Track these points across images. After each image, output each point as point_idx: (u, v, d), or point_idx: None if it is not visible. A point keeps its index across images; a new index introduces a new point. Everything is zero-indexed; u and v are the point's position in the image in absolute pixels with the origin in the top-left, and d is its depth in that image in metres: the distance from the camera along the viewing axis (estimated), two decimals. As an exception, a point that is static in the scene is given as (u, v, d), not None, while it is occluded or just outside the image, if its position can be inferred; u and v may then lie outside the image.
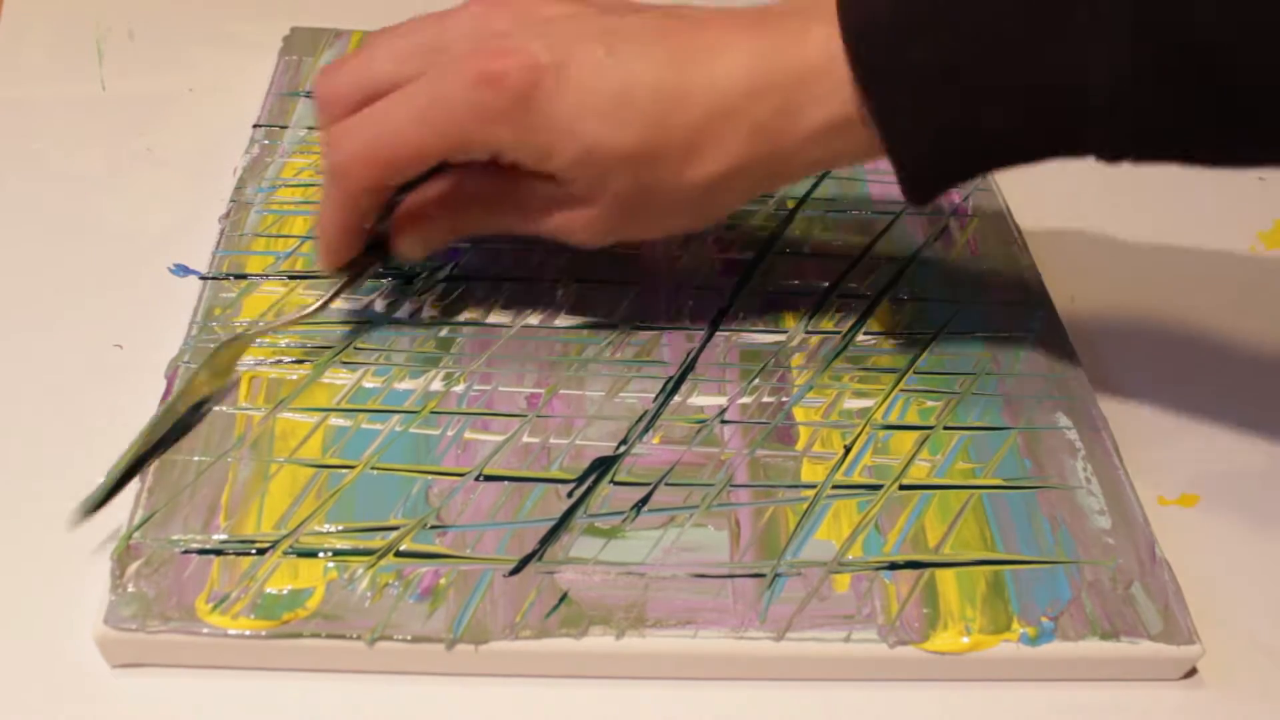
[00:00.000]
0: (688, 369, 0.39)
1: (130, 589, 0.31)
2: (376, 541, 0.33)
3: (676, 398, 0.38)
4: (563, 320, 0.40)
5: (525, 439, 0.36)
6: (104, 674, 0.31)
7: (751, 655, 0.32)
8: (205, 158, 0.46)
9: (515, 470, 0.35)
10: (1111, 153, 0.32)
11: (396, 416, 0.36)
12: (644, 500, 0.35)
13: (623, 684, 0.32)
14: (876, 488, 0.36)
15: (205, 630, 0.31)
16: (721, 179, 0.35)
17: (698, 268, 0.43)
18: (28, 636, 0.32)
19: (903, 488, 0.36)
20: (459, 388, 0.37)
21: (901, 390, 0.39)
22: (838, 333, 0.41)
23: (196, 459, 0.34)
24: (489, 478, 0.35)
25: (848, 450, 0.37)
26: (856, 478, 0.36)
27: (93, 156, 0.46)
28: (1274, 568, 0.38)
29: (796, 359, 0.40)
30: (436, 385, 0.37)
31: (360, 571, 0.32)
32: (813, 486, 0.36)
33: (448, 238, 0.38)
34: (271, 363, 0.37)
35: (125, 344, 0.39)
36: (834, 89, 0.33)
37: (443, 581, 0.32)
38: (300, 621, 0.31)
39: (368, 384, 0.37)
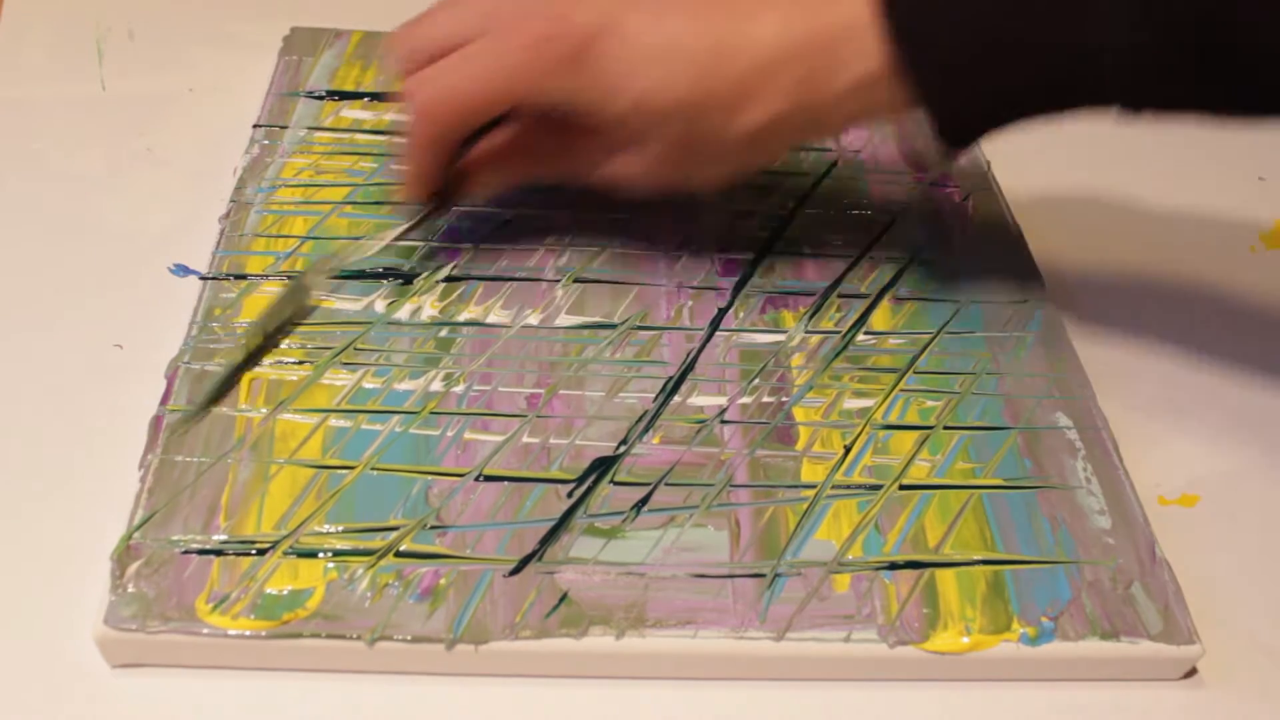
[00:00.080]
0: (688, 369, 0.39)
1: (130, 589, 0.31)
2: (376, 542, 0.33)
3: (676, 398, 0.38)
4: (563, 320, 0.40)
5: (525, 439, 0.36)
6: (104, 674, 0.31)
7: (751, 655, 0.32)
8: (205, 158, 0.46)
9: (515, 470, 0.35)
10: (1132, 106, 0.34)
11: (396, 417, 0.36)
12: (644, 500, 0.35)
13: (623, 684, 0.32)
14: (876, 488, 0.36)
15: (205, 630, 0.31)
16: (765, 128, 0.37)
17: (698, 268, 0.43)
18: (28, 636, 0.32)
19: (903, 488, 0.36)
20: (459, 388, 0.37)
21: (901, 390, 0.39)
22: (838, 333, 0.41)
23: (197, 459, 0.34)
24: (489, 478, 0.35)
25: (848, 450, 0.37)
26: (856, 478, 0.36)
27: (93, 156, 0.46)
28: (1274, 568, 0.38)
29: (796, 359, 0.40)
30: (436, 386, 0.37)
31: (360, 572, 0.32)
32: (813, 486, 0.36)
33: (512, 181, 0.42)
34: (272, 364, 0.37)
35: (125, 344, 0.39)
36: (868, 47, 0.35)
37: (443, 582, 0.32)
38: (300, 621, 0.31)
39: (368, 385, 0.37)
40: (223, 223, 0.42)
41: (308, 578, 0.32)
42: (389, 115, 0.47)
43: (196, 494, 0.34)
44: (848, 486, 0.36)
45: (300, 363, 0.37)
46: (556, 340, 0.39)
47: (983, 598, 0.34)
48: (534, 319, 0.40)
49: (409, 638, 0.31)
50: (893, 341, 0.41)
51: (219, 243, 0.41)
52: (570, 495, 0.35)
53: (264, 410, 0.36)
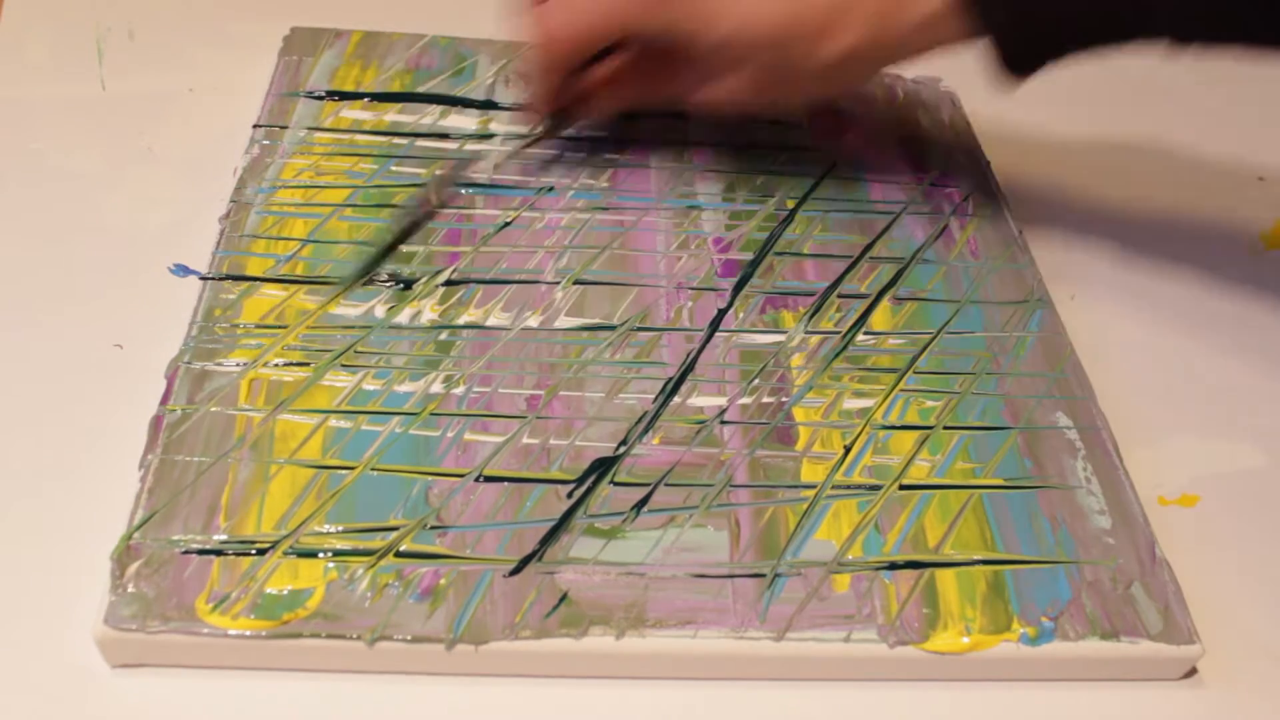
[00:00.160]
0: (687, 370, 0.39)
1: (130, 589, 0.31)
2: (376, 542, 0.33)
3: (676, 398, 0.38)
4: (562, 322, 0.40)
5: (525, 440, 0.36)
6: (104, 674, 0.31)
7: (751, 655, 0.32)
8: (205, 158, 0.46)
9: (515, 471, 0.35)
10: (1181, 38, 0.38)
11: (397, 418, 0.36)
12: (644, 500, 0.35)
13: (623, 684, 0.32)
14: (876, 488, 0.36)
15: (205, 630, 0.31)
16: (845, 58, 0.41)
17: (697, 268, 0.43)
18: (28, 636, 0.32)
19: (903, 488, 0.36)
20: (459, 389, 0.37)
21: (901, 390, 0.39)
22: (837, 333, 0.41)
23: (197, 459, 0.34)
24: (489, 478, 0.35)
25: (848, 450, 0.37)
26: (856, 478, 0.36)
27: (93, 156, 0.46)
28: (1274, 568, 0.38)
29: (796, 359, 0.40)
30: (437, 387, 0.37)
31: (360, 572, 0.32)
32: (813, 486, 0.36)
33: (622, 104, 0.47)
34: (272, 364, 0.37)
35: (125, 344, 0.39)
36: None
37: (443, 582, 0.32)
38: (300, 621, 0.31)
39: (368, 386, 0.37)
40: (223, 223, 0.42)
41: (308, 578, 0.32)
42: (389, 116, 0.47)
43: (196, 494, 0.34)
44: (848, 486, 0.36)
45: (300, 364, 0.37)
46: (556, 342, 0.39)
47: (983, 598, 0.34)
48: (534, 321, 0.40)
49: (409, 638, 0.31)
50: (892, 342, 0.41)
51: (219, 243, 0.41)
52: (570, 495, 0.35)
53: (264, 410, 0.36)
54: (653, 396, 0.38)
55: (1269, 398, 0.43)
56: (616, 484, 0.35)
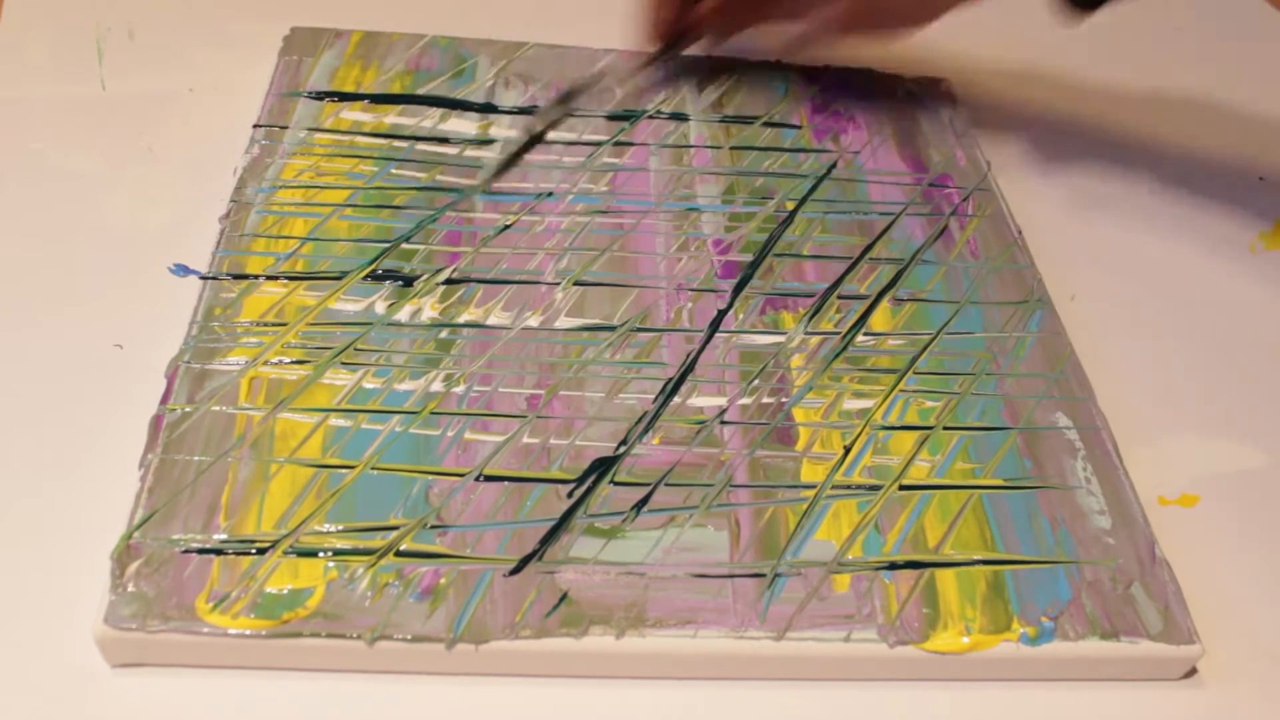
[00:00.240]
0: (687, 370, 0.39)
1: (130, 588, 0.31)
2: (377, 541, 0.33)
3: (676, 399, 0.38)
4: (563, 321, 0.40)
5: (525, 440, 0.36)
6: (104, 674, 0.31)
7: (751, 655, 0.32)
8: (205, 158, 0.46)
9: (515, 470, 0.35)
10: None
11: (397, 417, 0.36)
12: (644, 500, 0.35)
13: (623, 684, 0.32)
14: (876, 488, 0.36)
15: (205, 630, 0.31)
16: None
17: (697, 269, 0.43)
18: (28, 636, 0.32)
19: (903, 488, 0.36)
20: (459, 389, 0.37)
21: (901, 391, 0.39)
22: (837, 333, 0.41)
23: (196, 459, 0.34)
24: (489, 478, 0.35)
25: (847, 451, 0.37)
26: (856, 478, 0.36)
27: (93, 156, 0.46)
28: (1274, 568, 0.38)
29: (796, 360, 0.40)
30: (437, 386, 0.37)
31: (360, 571, 0.32)
32: (813, 487, 0.36)
33: (733, 30, 0.51)
34: (272, 363, 0.37)
35: (125, 344, 0.39)
36: None
37: (443, 581, 0.32)
38: (300, 621, 0.31)
39: (368, 385, 0.37)
40: (223, 223, 0.42)
41: (308, 577, 0.32)
42: (389, 118, 0.47)
43: (196, 493, 0.34)
44: (848, 487, 0.36)
45: (300, 362, 0.37)
46: (556, 342, 0.39)
47: (983, 598, 0.34)
48: (534, 321, 0.40)
49: (409, 637, 0.31)
50: (892, 342, 0.41)
51: (219, 243, 0.41)
52: (570, 495, 0.35)
53: (264, 409, 0.36)
54: (653, 397, 0.38)
55: (1269, 398, 0.43)
56: (616, 484, 0.35)
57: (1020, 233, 0.46)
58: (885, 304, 0.42)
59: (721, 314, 0.41)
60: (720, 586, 0.33)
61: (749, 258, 0.43)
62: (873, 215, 0.46)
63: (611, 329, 0.40)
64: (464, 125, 0.48)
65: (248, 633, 0.31)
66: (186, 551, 0.32)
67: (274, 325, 0.38)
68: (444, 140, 0.47)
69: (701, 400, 0.38)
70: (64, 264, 0.42)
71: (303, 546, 0.33)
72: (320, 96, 0.48)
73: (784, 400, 0.38)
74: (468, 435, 0.36)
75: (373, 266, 0.41)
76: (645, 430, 0.37)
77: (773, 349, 0.40)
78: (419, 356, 0.38)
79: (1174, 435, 0.41)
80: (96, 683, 0.31)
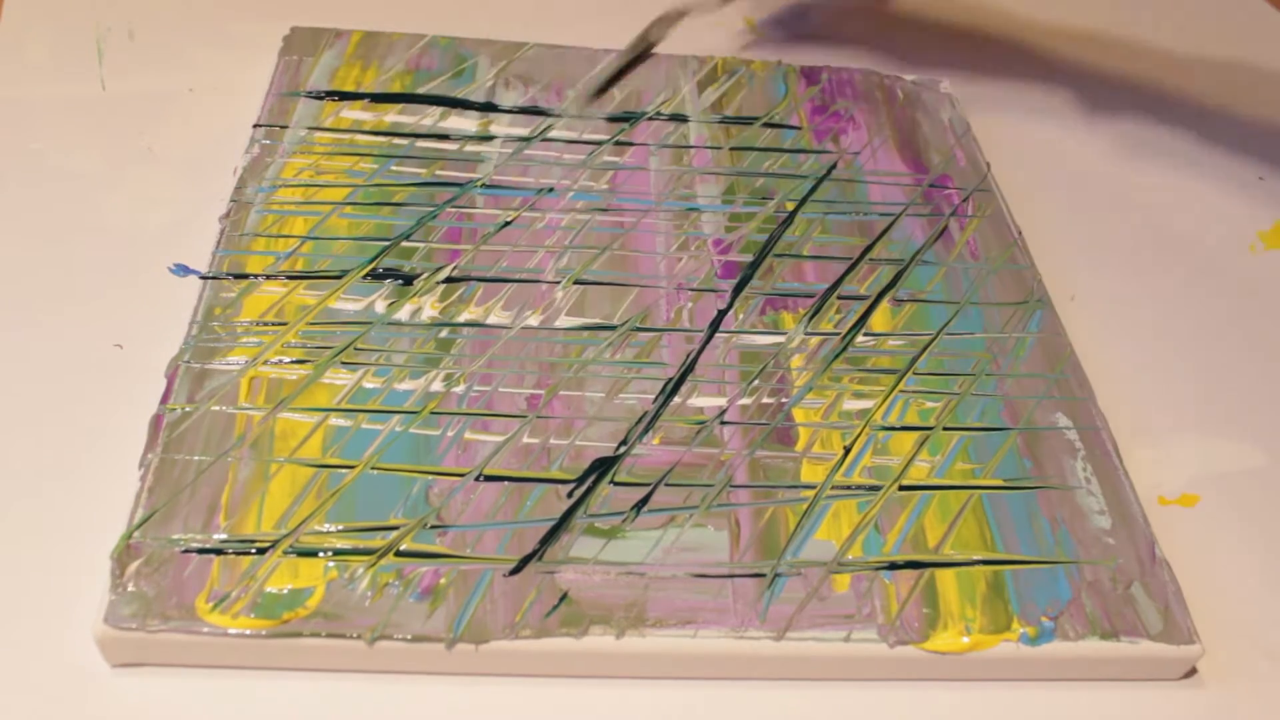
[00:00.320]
0: (687, 370, 0.39)
1: (130, 588, 0.31)
2: (377, 541, 0.33)
3: (676, 399, 0.38)
4: (563, 321, 0.40)
5: (525, 439, 0.36)
6: (104, 674, 0.31)
7: (751, 655, 0.32)
8: (205, 158, 0.46)
9: (515, 470, 0.35)
10: None
11: (397, 417, 0.36)
12: (644, 500, 0.35)
13: (623, 684, 0.32)
14: (876, 488, 0.36)
15: (205, 630, 0.31)
16: None
17: (697, 269, 0.43)
18: (28, 636, 0.32)
19: (903, 488, 0.36)
20: (459, 388, 0.37)
21: (901, 391, 0.39)
22: (837, 334, 0.41)
23: (196, 459, 0.34)
24: (489, 478, 0.35)
25: (847, 451, 0.37)
26: (856, 478, 0.36)
27: (93, 156, 0.46)
28: (1274, 568, 0.38)
29: (796, 360, 0.40)
30: (437, 386, 0.37)
31: (360, 571, 0.32)
32: (812, 487, 0.36)
33: None
34: (272, 362, 0.37)
35: (125, 344, 0.39)
36: None
37: (443, 581, 0.32)
38: (300, 621, 0.31)
39: (368, 384, 0.37)
40: (223, 222, 0.42)
41: (308, 577, 0.32)
42: (389, 116, 0.47)
43: (196, 493, 0.34)
44: (847, 487, 0.36)
45: (300, 362, 0.37)
46: (556, 341, 0.39)
47: (983, 598, 0.34)
48: (534, 320, 0.40)
49: (409, 637, 0.31)
50: (892, 343, 0.41)
51: (219, 242, 0.41)
52: (570, 495, 0.35)
53: (264, 409, 0.36)
54: (653, 397, 0.38)
55: (1269, 398, 0.43)
56: (616, 484, 0.35)
57: (1020, 233, 0.46)
58: (885, 304, 0.42)
59: (721, 314, 0.41)
60: (720, 586, 0.33)
61: (749, 258, 0.43)
62: (873, 216, 0.46)
63: (612, 329, 0.40)
64: (464, 123, 0.48)
65: (248, 633, 0.31)
66: (186, 551, 0.32)
67: (274, 325, 0.38)
68: (444, 137, 0.47)
69: (701, 400, 0.38)
70: (64, 264, 0.42)
71: (303, 546, 0.33)
72: (320, 96, 0.48)
73: (784, 400, 0.38)
74: (468, 435, 0.36)
75: (373, 265, 0.41)
76: (645, 430, 0.37)
77: (773, 349, 0.40)
78: (419, 356, 0.38)
79: (1174, 435, 0.41)
80: (96, 683, 0.31)
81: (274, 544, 0.32)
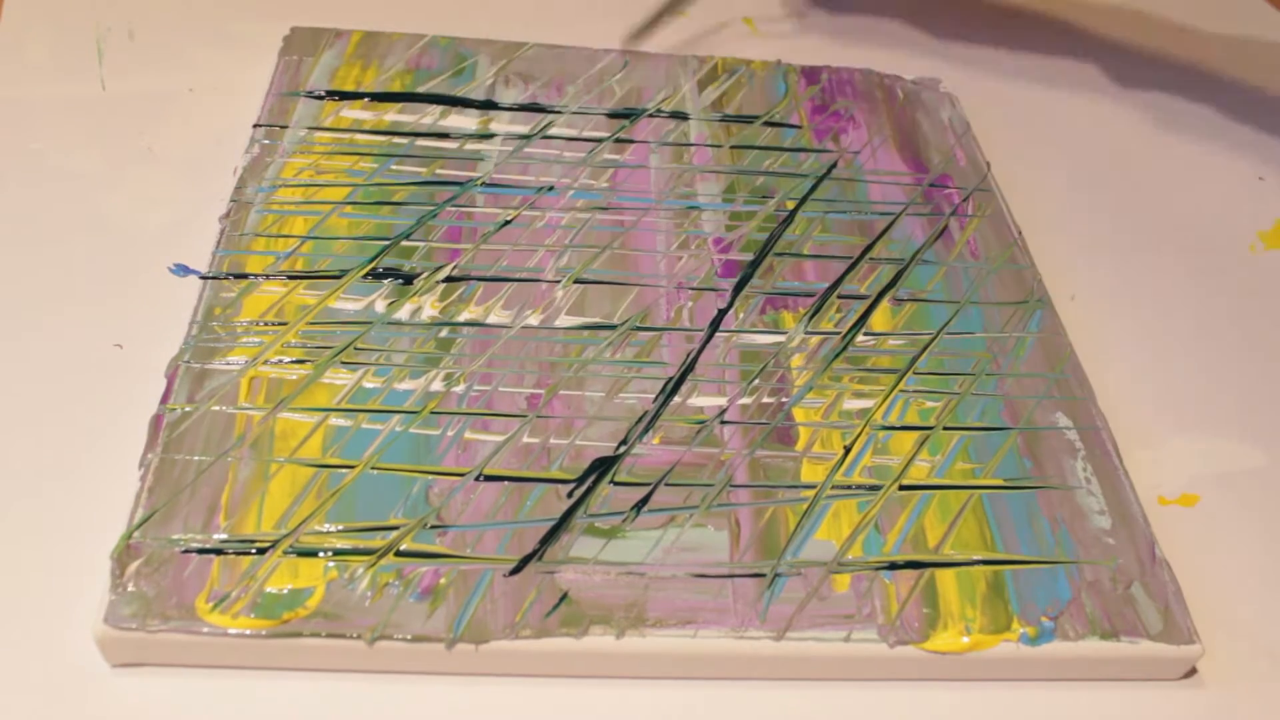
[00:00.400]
0: (687, 369, 0.39)
1: (130, 588, 0.31)
2: (377, 541, 0.33)
3: (676, 398, 0.38)
4: (563, 320, 0.40)
5: (525, 439, 0.36)
6: (104, 674, 0.31)
7: (751, 655, 0.32)
8: (205, 158, 0.46)
9: (515, 470, 0.35)
10: None
11: (397, 416, 0.36)
12: (644, 500, 0.35)
13: (623, 684, 0.32)
14: (876, 488, 0.36)
15: (205, 630, 0.31)
16: None
17: (698, 268, 0.43)
18: (28, 636, 0.32)
19: (903, 488, 0.36)
20: (459, 388, 0.37)
21: (901, 391, 0.39)
22: (837, 333, 0.41)
23: (196, 459, 0.34)
24: (489, 478, 0.35)
25: (847, 450, 0.37)
26: (856, 478, 0.36)
27: (93, 156, 0.46)
28: (1274, 568, 0.38)
29: (796, 359, 0.40)
30: (437, 385, 0.37)
31: (360, 571, 0.32)
32: (813, 487, 0.36)
33: None
34: (272, 362, 0.37)
35: (125, 344, 0.39)
36: None
37: (443, 581, 0.32)
38: (300, 621, 0.31)
39: (368, 384, 0.37)
40: (223, 222, 0.42)
41: (308, 577, 0.32)
42: (389, 116, 0.47)
43: (196, 493, 0.34)
44: (848, 487, 0.36)
45: (300, 361, 0.37)
46: (557, 340, 0.39)
47: (983, 598, 0.34)
48: (534, 319, 0.40)
49: (409, 637, 0.31)
50: (892, 342, 0.41)
51: (219, 242, 0.41)
52: (570, 495, 0.35)
53: (264, 409, 0.36)
54: (653, 396, 0.38)
55: (1269, 398, 0.43)
56: (616, 484, 0.35)
57: (1020, 233, 0.46)
58: (885, 304, 0.42)
59: (722, 313, 0.41)
60: (720, 586, 0.33)
61: (749, 257, 0.43)
62: (873, 215, 0.46)
63: (612, 328, 0.40)
64: (464, 121, 0.48)
65: (248, 633, 0.31)
66: (186, 551, 0.32)
67: (274, 325, 0.38)
68: (444, 135, 0.47)
69: (701, 400, 0.38)
70: (64, 264, 0.42)
71: (303, 546, 0.33)
72: (320, 96, 0.48)
73: (784, 400, 0.38)
74: (468, 435, 0.36)
75: (372, 265, 0.41)
76: (645, 430, 0.37)
77: (773, 348, 0.40)
78: (419, 355, 0.38)
79: (1174, 435, 0.41)
80: (96, 683, 0.31)
81: (274, 544, 0.32)
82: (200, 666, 0.31)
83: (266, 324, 0.38)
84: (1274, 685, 0.34)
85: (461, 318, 0.40)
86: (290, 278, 0.40)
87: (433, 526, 0.34)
